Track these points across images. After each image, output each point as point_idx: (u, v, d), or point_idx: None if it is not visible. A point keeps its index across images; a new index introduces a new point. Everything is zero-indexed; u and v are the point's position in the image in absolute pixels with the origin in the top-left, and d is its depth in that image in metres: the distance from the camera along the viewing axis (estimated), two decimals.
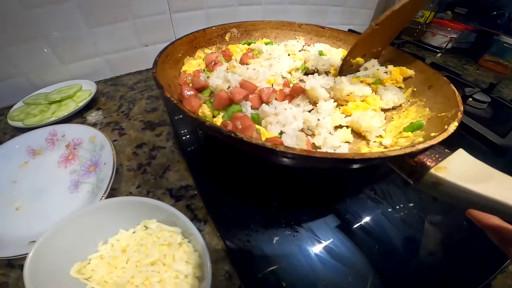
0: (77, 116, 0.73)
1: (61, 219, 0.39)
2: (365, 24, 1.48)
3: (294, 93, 0.55)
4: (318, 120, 0.46)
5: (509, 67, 1.38)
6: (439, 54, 1.45)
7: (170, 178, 0.57)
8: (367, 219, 0.51)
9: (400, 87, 0.59)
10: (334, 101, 0.54)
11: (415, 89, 0.58)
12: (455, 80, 1.03)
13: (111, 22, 0.83)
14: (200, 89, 0.54)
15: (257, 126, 0.43)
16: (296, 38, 0.81)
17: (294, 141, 0.40)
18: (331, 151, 0.42)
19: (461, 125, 0.75)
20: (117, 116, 0.73)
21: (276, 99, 0.53)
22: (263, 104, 0.47)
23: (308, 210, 0.51)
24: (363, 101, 0.55)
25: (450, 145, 0.37)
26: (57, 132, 0.63)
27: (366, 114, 0.49)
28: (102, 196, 0.48)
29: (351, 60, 0.63)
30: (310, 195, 0.55)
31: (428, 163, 0.35)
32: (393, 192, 0.56)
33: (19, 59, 0.75)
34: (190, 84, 0.55)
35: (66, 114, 0.69)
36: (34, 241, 0.37)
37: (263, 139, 0.41)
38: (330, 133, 0.48)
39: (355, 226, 0.49)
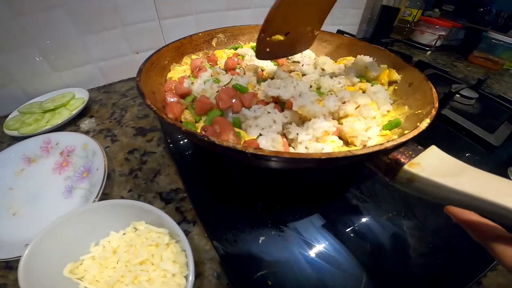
0: (71, 124, 0.75)
1: (53, 222, 0.41)
2: (355, 24, 1.50)
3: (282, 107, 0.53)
4: (297, 134, 0.46)
5: (499, 63, 1.39)
6: (428, 52, 1.46)
7: (161, 182, 0.59)
8: (353, 218, 0.52)
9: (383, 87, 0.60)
10: (333, 118, 0.52)
11: (396, 88, 0.59)
12: (444, 77, 1.04)
13: (101, 29, 0.85)
14: (183, 95, 0.56)
15: (237, 129, 0.44)
16: None
17: (269, 143, 0.41)
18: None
19: (449, 122, 0.78)
20: (109, 123, 0.75)
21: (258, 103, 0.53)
22: (243, 108, 0.48)
23: (294, 210, 0.52)
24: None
25: (436, 142, 0.38)
26: (51, 140, 0.65)
27: (350, 120, 0.49)
28: (94, 200, 0.50)
29: (267, 38, 0.54)
30: (295, 196, 0.57)
31: (402, 160, 0.35)
32: (379, 190, 0.57)
33: (11, 67, 0.77)
34: (174, 91, 0.56)
35: (60, 122, 0.71)
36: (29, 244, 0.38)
37: (242, 141, 0.42)
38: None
39: (340, 226, 0.50)
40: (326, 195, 0.57)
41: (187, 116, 0.49)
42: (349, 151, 0.32)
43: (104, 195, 0.54)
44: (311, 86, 0.58)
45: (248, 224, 0.49)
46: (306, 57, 0.75)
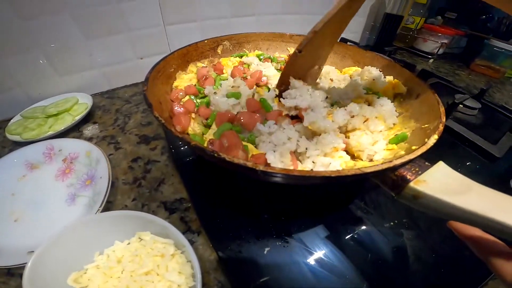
0: (74, 130, 0.74)
1: (58, 230, 0.41)
2: (358, 32, 1.50)
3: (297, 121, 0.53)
4: (306, 149, 0.46)
5: (500, 71, 1.39)
6: (431, 60, 1.47)
7: (165, 191, 0.58)
8: (357, 229, 0.52)
9: (389, 99, 0.60)
10: (341, 132, 0.52)
11: (402, 100, 0.59)
12: (446, 87, 1.05)
13: (106, 34, 0.85)
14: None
15: (245, 143, 0.44)
16: (287, 49, 0.83)
17: (277, 158, 0.41)
18: (322, 169, 0.43)
19: (452, 132, 0.79)
20: (113, 130, 0.74)
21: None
22: (257, 123, 0.48)
23: (299, 221, 0.52)
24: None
25: (439, 155, 0.38)
26: (54, 147, 0.65)
27: (356, 133, 0.49)
28: (98, 209, 0.50)
29: (281, 87, 0.60)
30: (300, 207, 0.57)
31: (408, 177, 0.35)
32: (383, 202, 0.58)
33: (16, 71, 0.77)
34: (183, 100, 0.56)
35: (62, 128, 0.71)
36: (33, 251, 0.39)
37: (250, 155, 0.42)
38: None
39: (345, 237, 0.50)
40: (330, 207, 0.57)
41: (195, 128, 0.49)
42: (358, 169, 0.32)
43: (108, 203, 0.54)
44: (327, 97, 0.58)
45: (253, 235, 0.49)
46: None
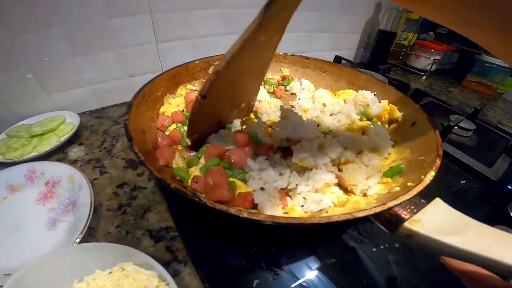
0: (59, 151, 0.72)
1: (36, 258, 0.40)
2: (352, 49, 1.51)
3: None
4: (297, 185, 0.44)
5: (492, 87, 1.41)
6: (424, 77, 1.48)
7: (151, 219, 0.56)
8: (349, 259, 0.51)
9: (384, 126, 0.59)
10: (333, 165, 0.51)
11: (397, 127, 0.58)
12: (440, 106, 1.05)
13: (96, 51, 0.83)
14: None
15: (232, 179, 0.42)
16: (281, 70, 0.81)
17: (266, 198, 0.39)
18: (313, 205, 0.41)
19: (447, 156, 0.77)
20: (99, 153, 0.72)
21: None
22: (248, 159, 0.46)
23: (289, 253, 0.51)
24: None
25: (435, 178, 0.37)
26: (36, 169, 0.63)
27: (350, 167, 0.48)
28: (78, 236, 0.48)
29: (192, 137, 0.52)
30: (291, 238, 0.55)
31: (403, 216, 0.35)
32: (377, 230, 0.56)
33: (3, 87, 0.74)
34: (169, 128, 0.54)
35: (47, 149, 0.68)
36: (10, 274, 0.39)
37: (237, 193, 0.40)
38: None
39: (337, 267, 0.49)
40: (322, 238, 0.55)
41: (179, 162, 0.47)
42: (350, 214, 0.31)
43: (90, 229, 0.52)
44: (318, 125, 0.55)
45: (241, 266, 0.48)
46: (305, 90, 0.74)
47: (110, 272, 0.43)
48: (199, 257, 0.49)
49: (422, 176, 0.38)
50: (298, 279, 0.46)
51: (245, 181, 0.45)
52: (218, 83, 0.43)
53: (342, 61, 1.23)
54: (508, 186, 0.73)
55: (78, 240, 0.48)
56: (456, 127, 0.89)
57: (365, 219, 0.56)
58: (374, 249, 0.52)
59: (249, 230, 0.54)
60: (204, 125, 0.51)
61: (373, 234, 0.55)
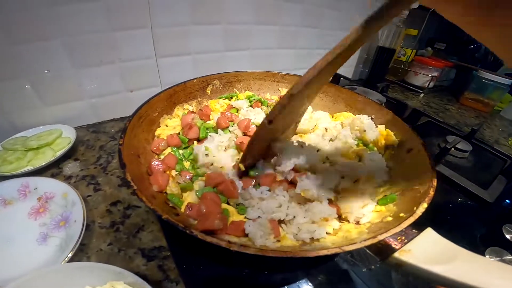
0: (54, 166, 0.71)
1: (25, 274, 0.40)
2: (352, 66, 1.53)
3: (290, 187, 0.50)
4: (287, 216, 0.44)
5: (489, 105, 1.42)
6: (421, 95, 1.49)
7: (143, 238, 0.56)
8: (342, 282, 0.51)
9: (380, 152, 0.59)
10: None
11: (393, 152, 0.58)
12: (437, 126, 1.06)
13: (97, 64, 0.83)
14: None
15: (226, 206, 0.42)
16: (279, 90, 0.82)
17: (256, 228, 0.39)
18: (306, 235, 0.41)
19: (443, 178, 0.78)
20: (94, 169, 0.72)
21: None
22: (250, 187, 0.46)
23: (281, 275, 0.51)
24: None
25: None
26: (29, 184, 0.63)
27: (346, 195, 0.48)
28: (70, 253, 0.48)
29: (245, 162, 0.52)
30: (283, 262, 0.54)
31: (393, 246, 0.36)
32: (370, 255, 0.55)
33: (1, 98, 0.74)
34: (164, 152, 0.54)
35: (42, 164, 0.68)
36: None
37: (229, 221, 0.40)
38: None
39: None
40: (315, 260, 0.54)
41: (173, 187, 0.47)
42: (339, 247, 0.32)
43: (82, 246, 0.52)
44: (318, 150, 0.56)
45: None
46: None
47: None
48: (191, 277, 0.49)
49: (415, 208, 0.38)
50: None
51: (245, 208, 0.45)
52: (286, 108, 0.41)
53: (341, 78, 1.24)
54: (506, 206, 0.75)
55: (69, 255, 0.48)
56: (453, 149, 0.90)
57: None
58: (365, 271, 0.52)
59: (241, 254, 0.54)
60: (259, 149, 0.51)
61: (366, 257, 0.55)
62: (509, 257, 0.56)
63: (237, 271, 0.50)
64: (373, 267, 0.52)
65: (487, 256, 0.56)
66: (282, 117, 0.44)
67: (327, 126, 0.67)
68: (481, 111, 1.44)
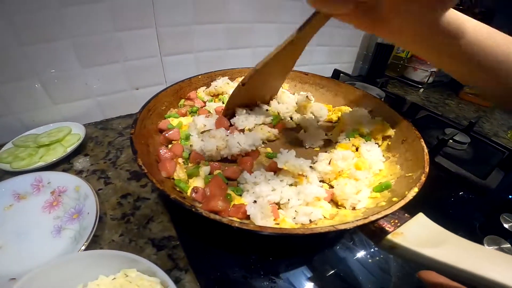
0: (64, 162, 0.74)
1: (42, 264, 0.41)
2: (351, 62, 1.55)
3: (270, 169, 0.55)
4: (289, 200, 0.47)
5: None
6: (421, 90, 1.50)
7: (153, 228, 0.58)
8: (344, 268, 0.52)
9: (377, 143, 0.62)
10: (320, 181, 0.54)
11: (389, 143, 0.60)
12: (436, 120, 1.07)
13: (103, 63, 0.86)
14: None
15: (229, 190, 0.45)
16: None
17: (258, 210, 0.42)
18: (304, 218, 0.43)
19: (442, 169, 0.79)
20: (104, 164, 0.74)
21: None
22: (244, 172, 0.49)
23: (286, 261, 0.53)
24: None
25: (430, 189, 0.39)
26: (42, 179, 0.65)
27: (341, 182, 0.50)
28: (84, 244, 0.50)
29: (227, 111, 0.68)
30: (287, 248, 0.57)
31: (387, 229, 0.37)
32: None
33: (11, 97, 0.77)
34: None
35: (54, 159, 0.71)
36: (14, 278, 0.42)
37: (232, 204, 0.43)
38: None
39: (332, 276, 0.51)
40: (318, 247, 0.57)
41: (180, 173, 0.49)
42: (332, 226, 0.34)
43: (95, 237, 0.54)
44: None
45: (240, 274, 0.50)
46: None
47: (114, 278, 0.44)
48: (199, 265, 0.51)
49: (406, 192, 0.40)
50: (295, 287, 0.48)
51: (241, 193, 0.47)
52: (255, 77, 0.59)
53: (341, 74, 1.26)
54: (504, 196, 0.76)
55: (83, 247, 0.49)
56: (451, 141, 0.91)
57: (355, 231, 0.59)
58: (368, 258, 0.54)
59: (247, 240, 0.56)
60: (237, 105, 0.68)
61: (368, 243, 0.57)
62: (507, 245, 0.57)
63: (243, 258, 0.52)
64: (377, 258, 0.54)
65: (485, 245, 0.57)
66: (252, 85, 0.62)
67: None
68: (481, 105, 1.44)
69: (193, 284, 0.48)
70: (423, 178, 0.43)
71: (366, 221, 0.35)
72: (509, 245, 0.57)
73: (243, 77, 0.60)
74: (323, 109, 0.73)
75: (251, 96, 0.69)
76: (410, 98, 1.36)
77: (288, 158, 0.50)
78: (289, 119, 0.75)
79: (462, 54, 0.41)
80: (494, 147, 0.97)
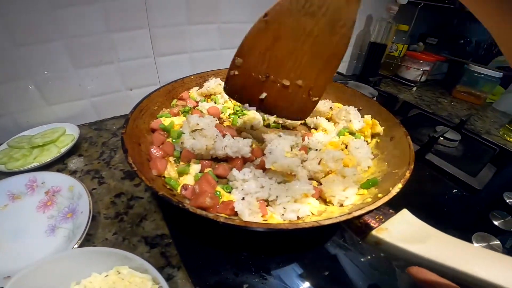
0: (59, 162, 0.75)
1: (35, 262, 0.42)
2: (346, 61, 1.56)
3: (260, 167, 0.54)
4: (277, 196, 0.47)
5: (481, 97, 1.44)
6: (414, 88, 1.51)
7: (146, 227, 0.59)
8: (334, 265, 0.53)
9: (366, 140, 0.63)
10: (309, 178, 0.54)
11: (379, 141, 0.61)
12: (428, 118, 1.08)
13: (97, 64, 0.86)
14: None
15: (219, 188, 0.46)
16: None
17: (245, 206, 0.43)
18: (292, 214, 0.44)
19: (433, 166, 0.80)
20: (98, 164, 0.75)
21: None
22: (234, 169, 0.49)
23: (277, 258, 0.53)
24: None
25: (421, 187, 0.40)
26: (37, 179, 0.66)
27: (329, 179, 0.51)
28: (77, 242, 0.51)
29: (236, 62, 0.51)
30: (279, 245, 0.57)
31: (372, 224, 0.38)
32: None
33: (5, 98, 0.77)
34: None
35: (48, 160, 0.71)
36: (9, 277, 0.42)
37: (221, 201, 0.44)
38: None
39: (322, 272, 0.51)
40: (308, 244, 0.58)
41: (170, 172, 0.50)
42: (316, 221, 0.34)
43: (88, 236, 0.55)
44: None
45: (231, 271, 0.50)
46: None
47: (107, 275, 0.45)
48: (191, 262, 0.51)
49: (391, 188, 0.41)
50: (286, 284, 0.49)
51: (230, 190, 0.48)
52: (286, 14, 0.42)
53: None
54: (494, 193, 0.75)
55: (76, 245, 0.50)
56: (442, 138, 0.92)
57: (344, 228, 0.59)
58: (359, 256, 0.55)
59: (237, 237, 0.57)
60: (254, 54, 0.48)
61: (359, 241, 0.57)
62: (496, 242, 0.58)
63: (235, 255, 0.53)
64: (368, 257, 0.54)
65: (474, 242, 0.58)
66: (282, 26, 0.44)
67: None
68: (473, 103, 1.45)
69: (185, 281, 0.49)
70: (407, 174, 0.44)
71: (349, 217, 0.36)
72: (498, 242, 0.57)
73: None
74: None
75: (277, 58, 0.47)
76: (403, 97, 1.37)
77: (276, 158, 0.49)
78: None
79: None
80: (485, 144, 0.98)
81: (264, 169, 0.53)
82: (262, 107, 0.55)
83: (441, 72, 1.71)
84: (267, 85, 0.51)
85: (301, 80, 0.50)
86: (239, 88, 0.53)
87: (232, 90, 0.54)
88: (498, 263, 0.31)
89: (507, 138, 1.13)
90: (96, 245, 0.54)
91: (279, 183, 0.50)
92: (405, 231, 0.37)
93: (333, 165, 0.53)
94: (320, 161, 0.55)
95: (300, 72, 0.49)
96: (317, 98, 0.53)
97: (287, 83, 0.50)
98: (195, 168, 0.54)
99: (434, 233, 0.36)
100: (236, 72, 0.50)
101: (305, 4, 0.41)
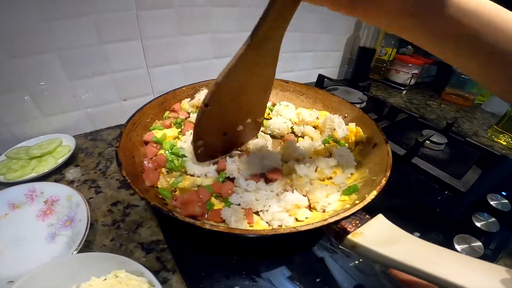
0: (56, 172, 0.77)
1: (37, 267, 0.44)
2: (336, 66, 1.58)
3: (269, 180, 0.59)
4: (264, 206, 0.51)
5: (469, 99, 1.46)
6: (404, 92, 1.54)
7: (142, 233, 0.61)
8: (321, 266, 0.55)
9: (349, 148, 0.65)
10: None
11: (362, 148, 0.64)
12: (416, 121, 1.11)
13: (90, 75, 0.87)
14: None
15: (213, 199, 0.49)
16: None
17: (231, 213, 0.46)
18: (277, 222, 0.47)
19: (418, 169, 0.83)
20: (94, 174, 0.77)
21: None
22: (241, 179, 0.53)
23: (267, 262, 0.56)
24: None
25: (407, 189, 0.42)
26: (35, 189, 0.67)
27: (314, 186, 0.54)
28: (76, 248, 0.53)
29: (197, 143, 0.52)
30: (268, 249, 0.60)
31: (348, 229, 0.40)
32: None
33: (2, 110, 0.79)
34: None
35: (45, 170, 0.73)
36: (12, 281, 0.44)
37: (209, 210, 0.47)
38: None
39: (310, 274, 0.53)
40: (296, 248, 0.59)
41: (163, 182, 0.53)
42: (294, 227, 0.38)
43: (87, 242, 0.57)
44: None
45: (223, 274, 0.53)
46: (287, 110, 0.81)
47: (105, 279, 0.47)
48: (186, 266, 0.54)
49: (366, 195, 0.44)
50: (274, 286, 0.51)
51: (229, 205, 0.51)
52: (220, 94, 0.46)
53: (325, 79, 1.29)
54: (477, 195, 0.76)
55: (76, 251, 0.53)
56: (429, 142, 0.94)
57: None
58: (345, 258, 0.56)
59: (228, 242, 0.59)
60: (208, 133, 0.52)
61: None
62: (477, 243, 0.58)
63: (226, 259, 0.55)
64: (356, 261, 0.55)
65: (455, 243, 0.58)
66: (220, 104, 0.48)
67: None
68: (462, 105, 1.48)
69: (180, 284, 0.51)
70: (383, 182, 0.46)
71: (325, 223, 0.39)
72: (479, 244, 0.58)
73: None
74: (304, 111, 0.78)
75: (225, 120, 0.53)
76: (393, 101, 1.40)
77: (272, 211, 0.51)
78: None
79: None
80: (471, 146, 0.99)
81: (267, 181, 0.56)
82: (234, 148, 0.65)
83: (430, 75, 1.74)
84: (228, 137, 0.58)
85: (249, 119, 0.58)
86: (209, 156, 0.59)
87: (204, 159, 0.58)
88: (464, 265, 0.33)
89: (495, 139, 1.14)
90: (94, 251, 0.56)
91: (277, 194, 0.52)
92: (379, 235, 0.39)
93: (328, 171, 0.56)
94: (316, 168, 0.58)
95: (245, 115, 0.57)
96: (262, 117, 0.62)
97: (240, 128, 0.58)
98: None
99: (405, 237, 0.38)
100: (202, 148, 0.54)
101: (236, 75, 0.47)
